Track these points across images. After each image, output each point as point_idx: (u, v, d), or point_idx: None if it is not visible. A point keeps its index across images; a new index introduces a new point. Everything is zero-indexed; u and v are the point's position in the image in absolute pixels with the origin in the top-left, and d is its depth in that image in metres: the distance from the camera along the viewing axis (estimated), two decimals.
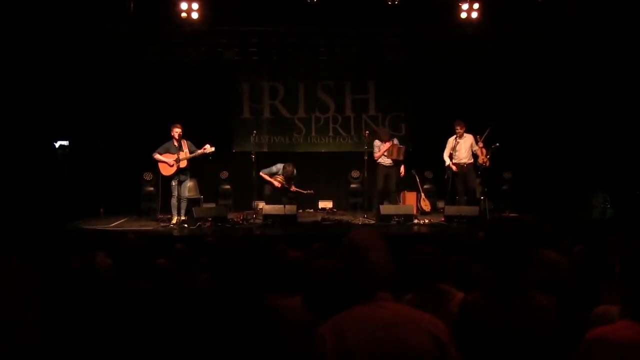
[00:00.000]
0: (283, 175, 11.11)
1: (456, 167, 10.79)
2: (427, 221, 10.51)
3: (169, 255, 4.94)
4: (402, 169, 11.06)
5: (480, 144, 10.64)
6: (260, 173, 11.18)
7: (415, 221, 10.42)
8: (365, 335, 2.10)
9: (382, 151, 10.86)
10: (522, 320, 2.55)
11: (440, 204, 12.13)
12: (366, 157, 11.04)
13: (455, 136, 10.83)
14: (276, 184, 11.06)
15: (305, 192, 11.39)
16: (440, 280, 3.51)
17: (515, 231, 2.68)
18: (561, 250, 4.61)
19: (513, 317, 2.56)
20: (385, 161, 10.98)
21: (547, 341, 2.55)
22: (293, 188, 11.22)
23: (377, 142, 11.09)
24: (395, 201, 11.20)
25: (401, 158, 10.93)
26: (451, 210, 10.36)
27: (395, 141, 11.08)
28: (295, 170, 11.19)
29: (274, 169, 11.20)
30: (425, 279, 3.48)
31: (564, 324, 2.61)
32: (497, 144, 10.28)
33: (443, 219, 10.33)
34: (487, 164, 10.49)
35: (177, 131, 10.14)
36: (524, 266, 2.64)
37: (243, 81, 13.44)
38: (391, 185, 11.01)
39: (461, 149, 10.81)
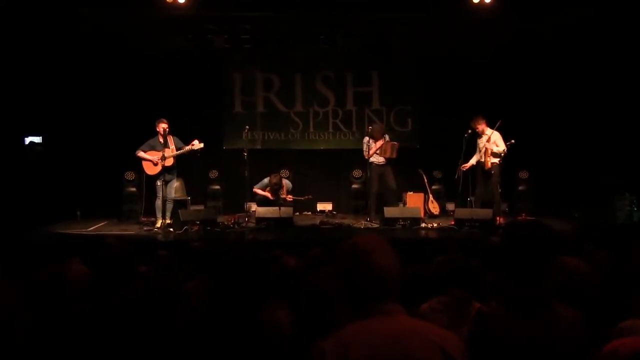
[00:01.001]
0: (269, 188, 11.08)
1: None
2: (435, 225, 10.49)
3: (152, 263, 4.91)
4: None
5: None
6: (254, 189, 11.20)
7: (423, 225, 10.40)
8: (370, 351, 2.07)
9: (375, 149, 10.84)
10: (544, 335, 2.51)
11: (450, 206, 12.11)
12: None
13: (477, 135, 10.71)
14: (270, 197, 11.04)
15: (303, 198, 11.36)
16: (460, 288, 3.52)
17: (536, 236, 2.65)
18: (583, 256, 4.58)
19: (534, 332, 2.52)
20: (378, 160, 10.95)
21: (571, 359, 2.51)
22: (289, 197, 11.19)
23: (366, 139, 11.06)
24: (396, 202, 11.15)
25: (394, 156, 10.89)
26: (462, 213, 10.33)
27: (387, 138, 11.07)
28: (283, 180, 11.21)
29: (265, 181, 11.18)
30: (447, 285, 3.50)
31: (589, 340, 2.58)
32: (512, 141, 10.24)
33: (453, 223, 10.30)
34: (488, 164, 10.41)
35: (162, 127, 10.11)
36: (545, 275, 2.61)
37: (234, 72, 13.42)
38: (389, 185, 10.96)
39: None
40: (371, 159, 10.96)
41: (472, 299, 3.47)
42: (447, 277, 3.59)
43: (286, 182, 11.38)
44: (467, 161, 10.69)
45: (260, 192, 11.17)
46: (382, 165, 10.96)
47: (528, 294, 2.58)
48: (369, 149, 10.94)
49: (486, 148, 10.43)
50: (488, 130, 10.52)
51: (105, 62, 12.20)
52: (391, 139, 11.13)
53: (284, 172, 12.49)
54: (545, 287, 2.61)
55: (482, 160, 10.48)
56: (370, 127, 11.41)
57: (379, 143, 10.88)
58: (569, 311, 2.59)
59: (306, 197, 11.39)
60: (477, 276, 3.96)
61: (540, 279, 2.60)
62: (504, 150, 10.31)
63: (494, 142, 10.42)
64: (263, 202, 11.03)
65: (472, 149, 10.66)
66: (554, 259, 3.21)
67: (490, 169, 10.39)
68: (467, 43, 12.51)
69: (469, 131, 10.46)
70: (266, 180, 11.19)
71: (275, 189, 11.04)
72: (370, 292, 2.19)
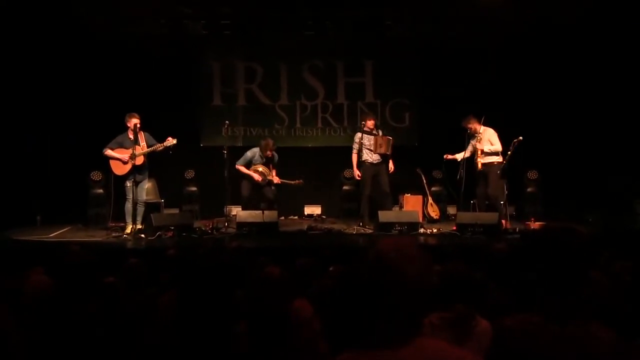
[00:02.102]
0: (261, 158, 11.07)
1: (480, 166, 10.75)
2: (435, 230, 10.50)
3: (121, 273, 4.88)
4: (390, 164, 11.05)
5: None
6: (237, 166, 11.14)
7: (422, 230, 10.40)
8: None
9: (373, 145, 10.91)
10: (575, 356, 2.49)
11: (452, 210, 12.13)
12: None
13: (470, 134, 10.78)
14: (256, 177, 10.99)
15: (293, 182, 11.34)
16: (463, 302, 3.50)
17: (574, 245, 2.63)
18: (600, 266, 4.59)
19: (565, 352, 2.50)
20: (372, 158, 10.98)
21: None
22: (277, 179, 11.15)
23: (360, 135, 11.08)
24: (391, 205, 11.17)
25: (389, 152, 10.93)
26: (464, 217, 10.34)
27: (380, 132, 11.10)
28: (274, 148, 11.16)
29: (249, 155, 11.14)
30: (449, 299, 3.48)
31: None
32: (520, 138, 10.25)
33: (454, 228, 10.32)
34: (479, 166, 10.50)
35: (133, 122, 10.04)
36: (580, 288, 2.60)
37: (213, 61, 13.40)
38: (383, 187, 10.98)
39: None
40: (364, 157, 10.99)
41: (475, 314, 3.47)
42: (447, 289, 3.58)
43: (275, 155, 11.35)
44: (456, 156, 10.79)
45: (243, 169, 11.14)
46: (376, 164, 10.98)
47: (565, 309, 2.56)
48: (361, 147, 10.96)
49: (476, 148, 10.52)
50: (481, 129, 10.60)
51: (67, 50, 12.11)
52: (384, 134, 11.18)
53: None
54: (582, 303, 2.59)
55: (474, 161, 10.58)
56: (363, 123, 11.41)
57: (372, 138, 10.93)
58: (604, 330, 2.56)
59: (297, 181, 11.36)
60: (481, 288, 3.97)
61: (577, 294, 2.58)
62: (499, 149, 10.44)
63: (488, 140, 10.51)
64: (250, 202, 11.03)
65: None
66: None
67: (483, 170, 10.47)
68: (472, 29, 12.45)
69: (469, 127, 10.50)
70: (249, 154, 11.17)
71: (270, 158, 11.04)
72: (399, 314, 2.14)
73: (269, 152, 11.06)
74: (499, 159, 10.46)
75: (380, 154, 10.95)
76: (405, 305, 2.11)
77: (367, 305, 2.16)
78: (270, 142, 11.13)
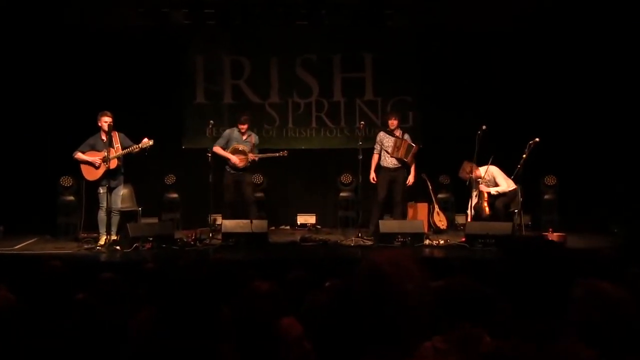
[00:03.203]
0: (240, 135, 11.15)
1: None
2: (442, 242, 10.52)
3: (94, 289, 4.87)
4: (411, 175, 11.10)
5: None
6: (213, 148, 11.18)
7: (427, 242, 10.42)
8: None
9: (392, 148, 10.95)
10: None
11: (460, 219, 12.13)
12: (361, 157, 11.03)
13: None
14: (233, 159, 10.99)
15: (276, 154, 11.35)
16: (472, 321, 3.50)
17: (540, 255, 2.65)
18: (624, 282, 4.59)
19: None
20: (390, 162, 11.02)
21: None
22: (252, 156, 11.15)
23: (381, 135, 11.13)
24: (401, 215, 11.20)
25: (408, 160, 10.96)
26: (474, 227, 10.35)
27: (407, 136, 11.16)
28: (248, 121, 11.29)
29: (227, 132, 11.25)
30: (456, 318, 3.47)
31: None
32: (536, 139, 10.30)
33: (463, 239, 10.33)
34: (486, 211, 10.63)
35: (106, 121, 10.04)
36: (558, 305, 2.61)
37: (196, 54, 13.40)
38: (396, 195, 11.05)
39: None
40: (381, 160, 11.13)
41: (484, 336, 3.46)
42: (451, 307, 3.56)
43: (253, 137, 11.42)
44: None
45: (220, 151, 11.19)
46: (392, 169, 11.10)
47: (535, 328, 2.57)
48: (381, 150, 11.05)
49: (480, 191, 10.60)
50: (481, 171, 10.68)
51: (33, 43, 12.10)
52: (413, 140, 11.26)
53: (257, 177, 12.52)
54: (558, 320, 2.60)
55: (480, 206, 10.64)
56: (362, 123, 11.46)
57: (393, 139, 10.98)
58: (583, 349, 2.58)
59: (280, 153, 11.37)
60: (492, 306, 3.96)
61: (555, 311, 2.59)
62: (506, 189, 10.68)
63: (494, 181, 10.61)
64: (233, 206, 11.04)
65: (487, 149, 10.68)
66: (583, 284, 3.22)
67: (490, 214, 10.65)
68: (481, 16, 12.39)
69: (483, 127, 10.50)
70: (227, 131, 11.26)
71: (246, 141, 11.11)
72: (396, 330, 2.14)
73: (241, 126, 11.17)
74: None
75: (398, 159, 10.98)
76: (401, 324, 2.12)
77: (360, 323, 2.17)
78: (245, 116, 11.21)
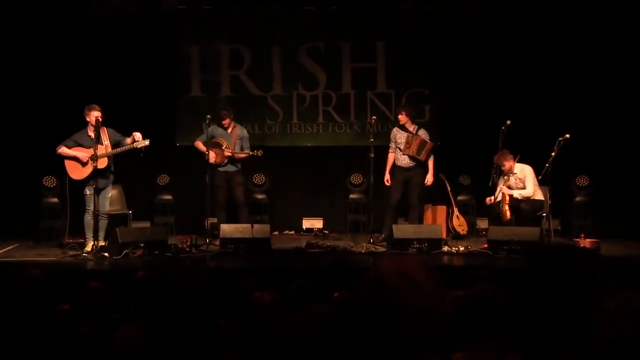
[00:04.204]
0: (224, 130, 11.22)
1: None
2: (462, 248, 10.50)
3: (79, 299, 4.88)
4: (429, 174, 11.09)
5: None
6: (195, 143, 11.34)
7: (445, 248, 10.41)
8: None
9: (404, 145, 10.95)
10: None
11: (482, 224, 12.10)
12: (372, 155, 11.00)
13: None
14: (211, 157, 11.00)
15: (252, 153, 11.31)
16: (494, 336, 3.48)
17: (572, 266, 2.64)
18: None
19: None
20: (403, 161, 11.03)
21: None
22: (228, 152, 11.13)
23: (394, 132, 11.13)
24: (417, 219, 11.18)
25: (422, 158, 10.95)
26: (498, 232, 10.32)
27: (422, 132, 11.13)
28: (236, 127, 11.36)
29: (209, 131, 11.17)
30: (477, 332, 3.45)
31: None
32: (567, 136, 10.28)
33: (486, 246, 10.31)
34: (507, 215, 10.62)
35: (94, 115, 10.03)
36: (590, 319, 2.60)
37: (191, 43, 13.39)
38: (411, 197, 11.05)
39: None
40: (396, 159, 11.14)
41: (508, 353, 3.43)
42: (473, 319, 3.54)
43: (238, 128, 11.46)
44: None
45: (200, 146, 11.30)
46: (406, 169, 11.11)
47: (550, 342, 2.57)
48: (396, 148, 11.08)
49: (503, 193, 10.57)
50: (517, 167, 10.63)
51: (16, 29, 12.13)
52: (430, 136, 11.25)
53: (258, 177, 12.52)
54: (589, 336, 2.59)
55: (500, 208, 10.63)
56: (374, 118, 11.41)
57: (404, 136, 11.02)
58: None
59: (257, 151, 11.33)
60: (516, 320, 3.94)
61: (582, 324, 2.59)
62: (530, 193, 10.63)
63: (523, 181, 10.60)
64: (227, 214, 11.08)
65: (512, 146, 10.66)
66: (610, 296, 3.21)
67: (510, 219, 10.65)
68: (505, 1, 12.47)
69: (508, 122, 10.48)
70: (212, 127, 11.21)
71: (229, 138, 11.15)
72: (403, 346, 2.12)
73: (222, 121, 11.24)
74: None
75: (411, 157, 10.99)
76: (410, 340, 2.10)
77: (367, 338, 2.15)
78: (224, 110, 11.32)
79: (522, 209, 10.59)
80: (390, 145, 11.26)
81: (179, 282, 3.34)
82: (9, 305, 4.10)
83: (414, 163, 11.04)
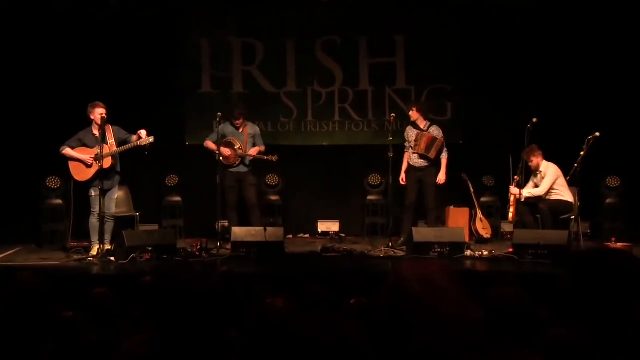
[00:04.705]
0: (236, 130, 11.21)
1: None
2: (485, 253, 10.46)
3: (84, 305, 4.88)
4: (442, 173, 11.05)
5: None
6: (205, 143, 11.35)
7: (468, 252, 10.36)
8: None
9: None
10: None
11: (507, 227, 12.06)
12: (391, 154, 10.97)
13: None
14: (226, 152, 10.99)
15: (266, 157, 11.30)
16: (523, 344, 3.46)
17: (616, 272, 2.61)
18: None
19: None
20: (415, 160, 11.07)
21: None
22: (250, 152, 11.16)
23: (408, 130, 11.13)
24: (435, 222, 11.15)
25: (431, 155, 10.93)
26: (523, 236, 10.28)
27: (433, 129, 11.12)
28: (246, 125, 11.33)
29: (219, 130, 11.15)
30: (502, 340, 3.44)
31: None
32: (597, 134, 10.24)
33: (511, 250, 10.28)
34: (510, 218, 10.65)
35: (100, 113, 10.04)
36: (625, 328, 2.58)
37: (200, 37, 13.41)
38: (427, 198, 11.04)
39: None
40: (409, 159, 11.16)
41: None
42: (497, 326, 3.53)
43: (249, 126, 11.43)
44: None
45: (211, 145, 11.28)
46: (419, 168, 11.11)
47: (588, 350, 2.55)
48: (409, 145, 11.08)
49: (514, 197, 10.65)
50: (543, 165, 10.61)
51: (17, 25, 12.17)
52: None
53: (272, 178, 12.51)
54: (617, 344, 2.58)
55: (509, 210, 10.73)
56: (393, 115, 11.38)
57: (414, 133, 11.04)
58: None
59: (270, 157, 11.31)
60: (543, 328, 3.92)
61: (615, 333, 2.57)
62: (542, 193, 10.64)
63: (540, 180, 10.67)
64: (239, 216, 11.07)
65: (538, 145, 10.62)
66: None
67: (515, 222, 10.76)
68: None
69: (534, 120, 10.44)
70: (222, 126, 11.18)
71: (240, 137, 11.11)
72: (427, 356, 2.10)
73: (235, 120, 11.23)
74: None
75: (422, 156, 10.98)
76: (433, 347, 2.08)
77: (387, 346, 2.14)
78: (239, 109, 11.28)
79: (540, 209, 10.58)
80: (405, 144, 11.24)
81: (188, 288, 3.33)
82: (6, 313, 4.10)
83: (426, 163, 11.02)
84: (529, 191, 10.64)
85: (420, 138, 10.99)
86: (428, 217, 11.22)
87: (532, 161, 10.60)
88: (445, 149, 11.11)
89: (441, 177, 11.08)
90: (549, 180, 10.59)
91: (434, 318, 2.09)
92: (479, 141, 12.49)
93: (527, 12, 12.44)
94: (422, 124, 11.19)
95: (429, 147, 10.96)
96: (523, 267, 9.60)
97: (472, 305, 2.20)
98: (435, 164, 11.07)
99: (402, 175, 11.21)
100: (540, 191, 10.58)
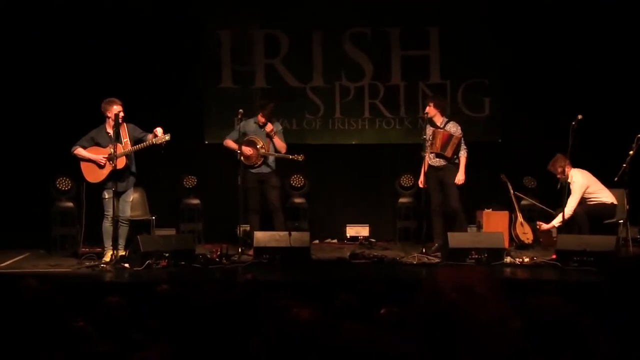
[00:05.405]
0: (258, 128, 11.16)
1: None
2: (526, 259, 10.42)
3: (96, 315, 4.89)
4: (460, 172, 11.00)
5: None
6: (225, 142, 11.31)
7: (508, 259, 10.34)
8: None
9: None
10: None
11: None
12: (425, 153, 11.00)
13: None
14: (248, 151, 10.96)
15: (290, 157, 11.26)
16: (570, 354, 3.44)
17: None
18: None
19: None
20: (433, 159, 11.07)
21: None
22: (264, 151, 11.11)
23: (426, 128, 11.08)
24: (461, 226, 11.10)
25: (448, 154, 10.89)
26: (568, 241, 10.23)
27: (451, 125, 11.09)
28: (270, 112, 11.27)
29: (241, 125, 11.11)
30: (546, 351, 3.41)
31: None
32: None
33: (554, 257, 10.23)
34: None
35: (115, 110, 10.02)
36: None
37: (221, 28, 13.44)
38: (449, 200, 10.98)
39: None
40: (427, 158, 11.09)
41: None
42: (539, 337, 3.51)
43: (271, 124, 11.37)
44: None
45: (230, 144, 11.26)
46: (437, 168, 11.08)
47: None
48: (425, 144, 11.00)
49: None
50: (572, 174, 10.64)
51: (22, 17, 12.26)
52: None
53: (297, 179, 12.52)
54: None
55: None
56: (427, 112, 11.34)
57: (430, 131, 11.01)
58: None
59: (296, 156, 11.28)
60: (588, 342, 3.89)
61: None
62: (572, 208, 10.60)
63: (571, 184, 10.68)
64: (261, 220, 11.08)
65: (583, 143, 10.55)
66: None
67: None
68: None
69: (579, 116, 10.37)
70: (242, 123, 11.08)
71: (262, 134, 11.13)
72: None
73: (260, 117, 11.17)
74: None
75: (438, 155, 10.96)
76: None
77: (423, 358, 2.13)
78: (271, 105, 11.24)
79: (576, 213, 10.58)
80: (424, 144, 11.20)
81: (207, 298, 3.33)
82: (13, 323, 4.11)
83: (445, 162, 10.97)
84: (559, 220, 10.58)
85: (435, 136, 10.94)
86: (455, 221, 11.13)
87: (559, 172, 10.60)
88: (464, 147, 11.03)
89: (460, 177, 11.00)
90: (577, 193, 10.55)
91: (473, 328, 2.08)
92: (520, 139, 12.44)
93: (570, 2, 12.40)
94: (439, 120, 11.12)
95: (444, 146, 10.88)
96: (567, 275, 9.55)
97: (512, 315, 2.18)
98: (451, 162, 11.01)
99: (422, 178, 11.17)
100: (568, 210, 10.51)
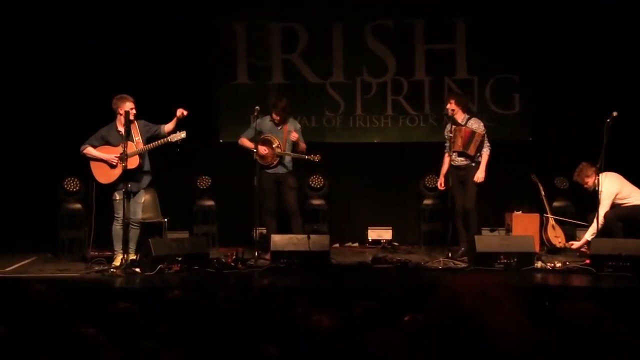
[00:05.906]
0: (275, 126, 11.21)
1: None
2: (558, 264, 10.39)
3: (106, 322, 4.90)
4: (480, 170, 10.98)
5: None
6: (240, 140, 11.35)
7: (538, 264, 10.30)
8: None
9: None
10: None
11: (583, 235, 11.97)
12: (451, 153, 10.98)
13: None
14: (263, 151, 10.99)
15: (307, 157, 11.27)
16: None
17: None
18: None
19: None
20: (456, 159, 11.08)
21: None
22: (279, 150, 11.14)
23: (451, 127, 11.04)
24: (474, 227, 11.07)
25: (471, 152, 10.88)
26: (602, 245, 10.19)
27: (473, 122, 11.08)
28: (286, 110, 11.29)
29: (257, 123, 11.13)
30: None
31: None
32: None
33: (588, 261, 10.19)
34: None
35: (127, 107, 10.01)
36: None
37: (235, 21, 13.45)
38: (467, 200, 11.03)
39: None
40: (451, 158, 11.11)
41: None
42: (569, 347, 3.51)
43: (289, 125, 11.41)
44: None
45: (245, 142, 11.30)
46: (459, 167, 11.11)
47: None
48: (449, 143, 10.98)
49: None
50: (602, 177, 10.61)
51: (28, 12, 12.30)
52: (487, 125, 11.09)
53: (316, 179, 12.52)
54: None
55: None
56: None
57: (452, 129, 10.99)
58: None
59: (312, 156, 11.28)
60: (624, 351, 3.88)
61: None
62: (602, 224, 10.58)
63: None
64: (278, 223, 11.10)
65: (617, 142, 10.51)
66: None
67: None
68: None
69: (614, 114, 10.33)
70: (258, 121, 11.11)
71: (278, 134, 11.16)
72: None
73: (275, 116, 11.21)
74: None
75: (461, 154, 10.96)
76: None
77: None
78: (284, 102, 11.23)
79: (606, 217, 10.58)
80: (445, 143, 11.20)
81: (222, 304, 3.34)
82: (19, 330, 4.13)
83: (468, 161, 10.96)
84: (591, 233, 10.54)
85: (457, 133, 10.91)
86: (469, 221, 11.10)
87: (586, 182, 10.63)
88: (487, 144, 11.04)
89: (479, 175, 10.97)
90: (604, 204, 10.52)
91: (488, 335, 2.09)
92: (551, 138, 12.39)
93: None
94: (460, 117, 11.10)
95: (467, 143, 10.87)
96: (602, 280, 9.51)
97: (529, 324, 2.19)
98: (478, 161, 11.00)
99: (441, 179, 11.20)
100: (600, 219, 10.48)
